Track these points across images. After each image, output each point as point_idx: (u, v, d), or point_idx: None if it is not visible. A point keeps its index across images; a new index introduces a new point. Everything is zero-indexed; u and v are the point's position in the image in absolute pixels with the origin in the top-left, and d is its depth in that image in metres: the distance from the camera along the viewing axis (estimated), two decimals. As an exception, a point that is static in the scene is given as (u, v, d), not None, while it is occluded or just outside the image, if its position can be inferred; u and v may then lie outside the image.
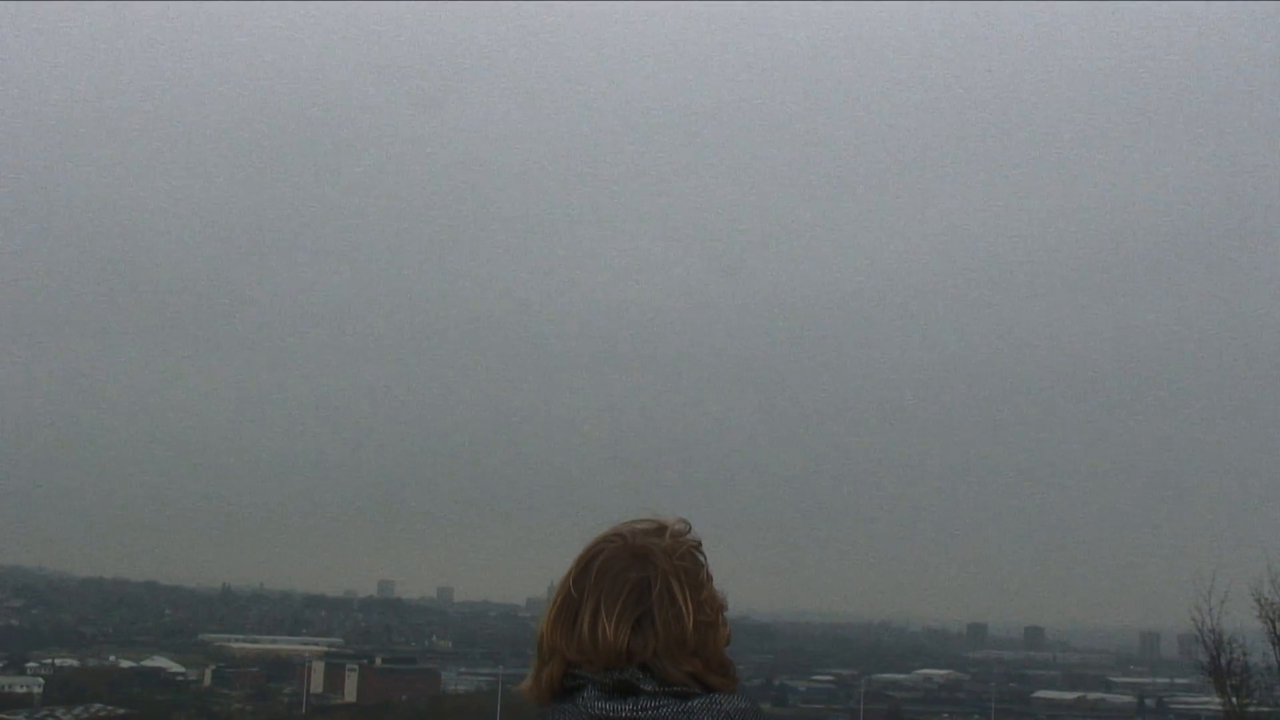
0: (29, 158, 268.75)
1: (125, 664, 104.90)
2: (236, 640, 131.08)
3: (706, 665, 1.77)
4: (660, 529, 1.87)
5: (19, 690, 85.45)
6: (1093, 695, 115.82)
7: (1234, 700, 15.59)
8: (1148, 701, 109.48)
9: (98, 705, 77.44)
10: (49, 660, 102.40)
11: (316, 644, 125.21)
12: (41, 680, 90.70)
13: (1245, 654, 15.00)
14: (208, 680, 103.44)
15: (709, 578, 1.86)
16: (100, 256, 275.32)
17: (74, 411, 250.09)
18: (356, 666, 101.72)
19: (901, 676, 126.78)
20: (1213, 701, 28.84)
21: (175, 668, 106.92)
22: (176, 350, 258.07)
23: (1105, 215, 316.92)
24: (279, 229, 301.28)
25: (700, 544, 1.89)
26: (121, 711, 76.07)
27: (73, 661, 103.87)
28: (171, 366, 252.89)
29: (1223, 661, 15.12)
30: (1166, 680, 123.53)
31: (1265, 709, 16.05)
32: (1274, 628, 14.88)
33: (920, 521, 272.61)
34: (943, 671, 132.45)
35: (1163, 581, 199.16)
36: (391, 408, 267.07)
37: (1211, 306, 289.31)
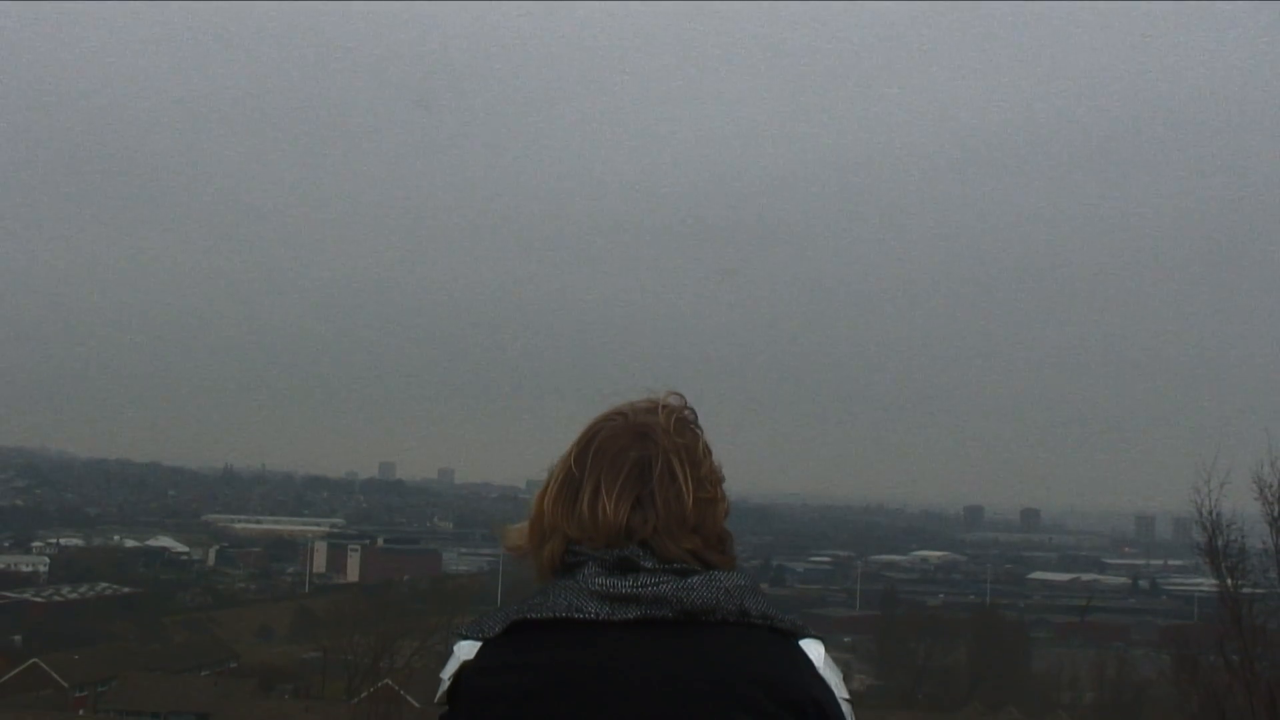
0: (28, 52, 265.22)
1: (130, 543, 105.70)
2: (240, 520, 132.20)
3: (705, 542, 1.78)
4: (656, 407, 1.86)
5: (25, 569, 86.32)
6: (1087, 576, 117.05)
7: (1229, 582, 15.43)
8: (1141, 583, 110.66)
9: (103, 584, 78.08)
10: (54, 540, 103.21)
11: (318, 524, 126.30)
12: (47, 559, 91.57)
13: (1243, 536, 14.82)
14: (211, 560, 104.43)
15: (707, 451, 1.85)
16: (100, 142, 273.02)
17: (78, 294, 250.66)
18: (359, 547, 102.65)
19: (898, 558, 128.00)
20: (1206, 583, 28.88)
21: (179, 547, 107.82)
22: (181, 233, 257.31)
23: (1106, 100, 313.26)
24: (283, 116, 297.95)
25: (696, 416, 1.87)
26: (127, 590, 76.62)
27: (78, 541, 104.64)
28: (177, 249, 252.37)
29: (1219, 544, 14.92)
30: (1160, 562, 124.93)
31: (1260, 590, 15.92)
32: (1273, 510, 14.68)
33: (918, 404, 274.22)
34: (939, 553, 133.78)
35: (1158, 464, 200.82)
36: (393, 290, 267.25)
37: (1213, 189, 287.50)
